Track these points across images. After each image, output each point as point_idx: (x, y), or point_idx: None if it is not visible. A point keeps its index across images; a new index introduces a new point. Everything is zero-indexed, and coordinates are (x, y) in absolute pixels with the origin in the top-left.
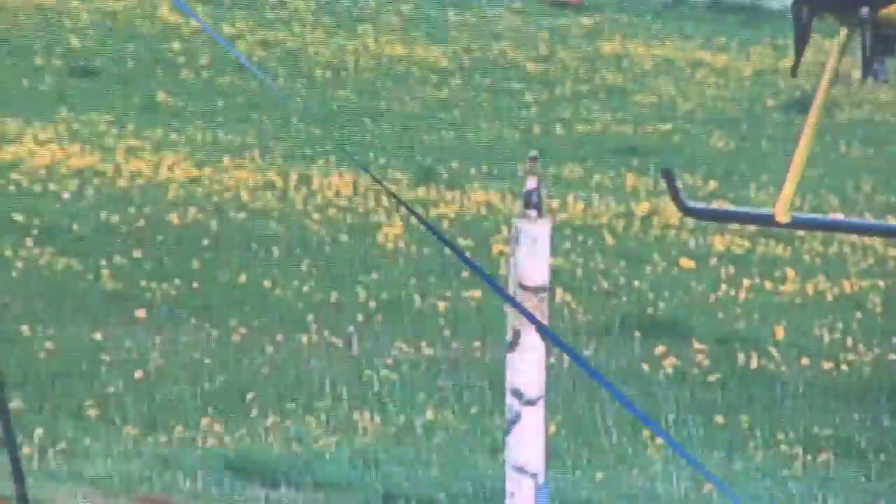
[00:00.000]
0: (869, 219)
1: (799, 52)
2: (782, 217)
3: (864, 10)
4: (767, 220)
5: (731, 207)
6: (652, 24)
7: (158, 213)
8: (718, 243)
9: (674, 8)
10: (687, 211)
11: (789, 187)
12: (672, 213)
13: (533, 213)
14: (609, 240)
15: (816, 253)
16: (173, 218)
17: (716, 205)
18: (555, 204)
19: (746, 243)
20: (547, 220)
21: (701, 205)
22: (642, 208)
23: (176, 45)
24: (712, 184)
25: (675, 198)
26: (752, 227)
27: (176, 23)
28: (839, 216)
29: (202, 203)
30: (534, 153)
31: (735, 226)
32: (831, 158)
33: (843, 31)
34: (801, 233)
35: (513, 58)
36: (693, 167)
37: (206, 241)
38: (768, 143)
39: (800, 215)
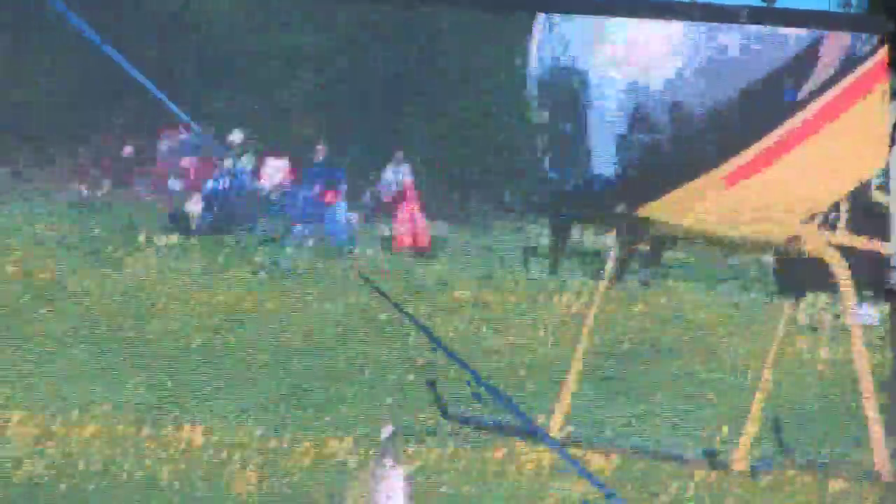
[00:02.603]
0: None
1: (555, 259)
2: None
3: (622, 207)
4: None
5: (497, 419)
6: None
7: None
8: None
9: None
10: (449, 418)
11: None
12: None
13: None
14: None
15: None
16: None
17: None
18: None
19: None
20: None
21: (463, 413)
22: None
23: None
24: None
25: (440, 405)
26: None
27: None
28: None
29: None
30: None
31: None
32: None
33: (616, 247)
34: None
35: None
36: None
37: None
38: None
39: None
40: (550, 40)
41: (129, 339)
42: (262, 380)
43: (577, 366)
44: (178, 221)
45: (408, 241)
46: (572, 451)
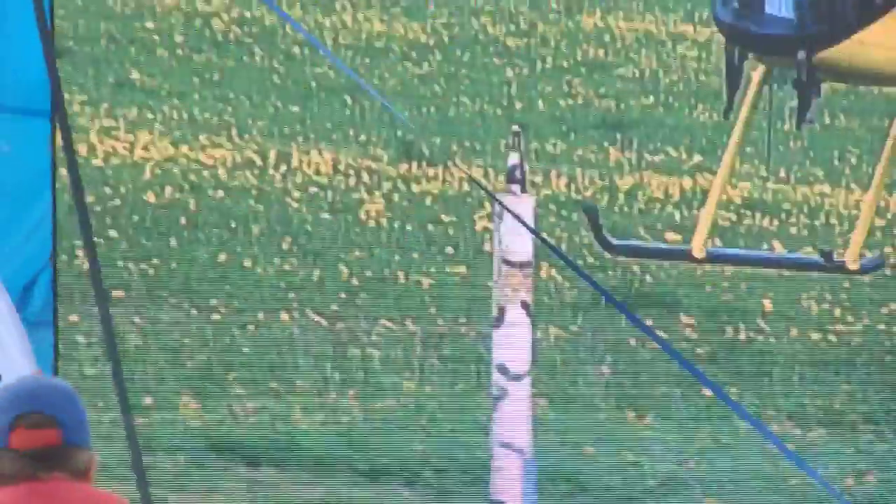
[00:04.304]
0: (783, 251)
1: (731, 95)
2: (699, 252)
3: (801, 54)
4: (684, 256)
5: (651, 244)
6: None
7: (134, 192)
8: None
9: None
10: (609, 248)
11: (704, 225)
12: (657, 186)
13: (516, 188)
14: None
15: (803, 225)
16: (150, 197)
17: (639, 239)
18: (538, 179)
19: (732, 216)
20: (530, 195)
21: (623, 242)
22: (626, 182)
23: (150, 24)
24: (696, 157)
25: (598, 236)
26: (737, 199)
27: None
28: (753, 251)
29: (179, 182)
30: (516, 129)
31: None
32: (813, 131)
33: (760, 69)
34: (787, 206)
35: (493, 33)
36: (676, 141)
37: (183, 221)
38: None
39: (714, 250)
40: None
41: None
42: None
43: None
44: None
45: None
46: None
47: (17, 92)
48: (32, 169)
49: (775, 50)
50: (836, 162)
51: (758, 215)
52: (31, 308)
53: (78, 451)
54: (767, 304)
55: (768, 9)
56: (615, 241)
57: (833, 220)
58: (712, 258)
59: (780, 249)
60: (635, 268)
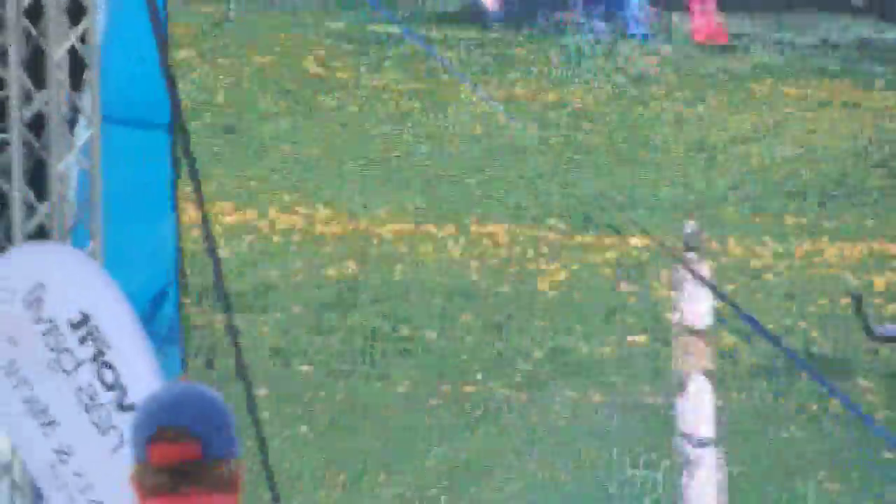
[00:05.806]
0: None
1: None
2: None
3: None
4: None
5: None
6: (800, 64)
7: (315, 267)
8: (879, 282)
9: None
10: (876, 338)
11: None
12: (833, 252)
13: (694, 255)
14: (772, 280)
15: None
16: (331, 272)
17: None
18: (715, 245)
19: None
20: (708, 262)
21: (887, 331)
22: (804, 248)
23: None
24: (869, 222)
25: (865, 324)
26: None
27: (322, 75)
28: None
29: (359, 257)
30: (693, 199)
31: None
32: None
33: None
34: None
35: (668, 102)
36: (851, 206)
37: (364, 296)
38: None
39: None
40: None
41: None
42: None
43: None
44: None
45: (704, 35)
46: None
47: (137, 105)
48: (157, 183)
49: None
50: None
51: None
52: (158, 322)
53: (220, 463)
54: None
55: None
56: (881, 331)
57: None
58: None
59: None
60: (815, 334)
